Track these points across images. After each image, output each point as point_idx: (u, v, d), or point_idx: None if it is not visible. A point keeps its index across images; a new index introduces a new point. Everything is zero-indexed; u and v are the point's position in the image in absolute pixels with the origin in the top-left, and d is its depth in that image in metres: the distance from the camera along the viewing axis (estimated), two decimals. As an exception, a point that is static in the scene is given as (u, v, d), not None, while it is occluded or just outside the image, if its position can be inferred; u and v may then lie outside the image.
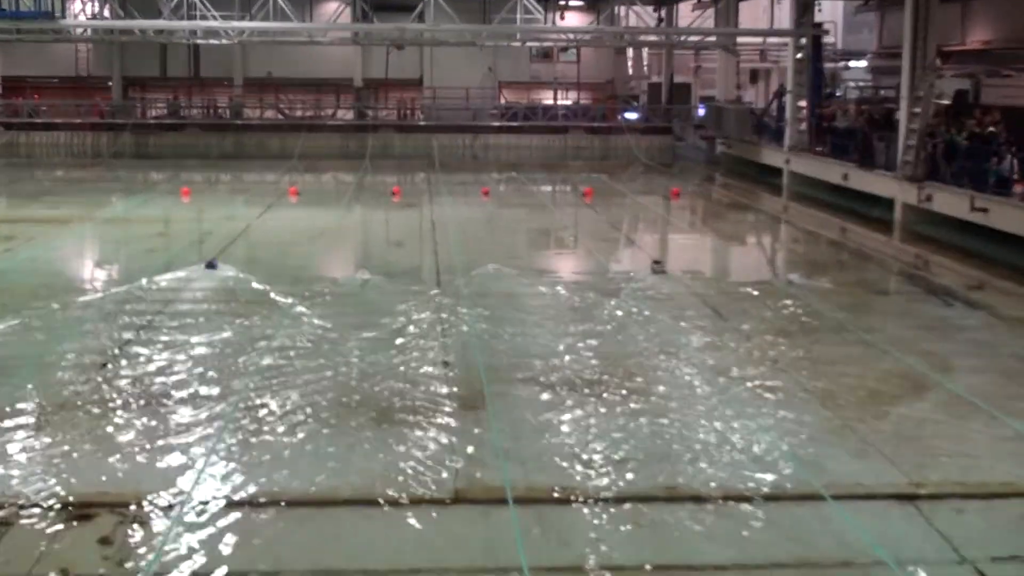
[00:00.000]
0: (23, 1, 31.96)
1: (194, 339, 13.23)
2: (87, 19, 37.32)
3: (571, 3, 39.06)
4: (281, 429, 10.10)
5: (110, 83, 43.73)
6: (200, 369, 11.97)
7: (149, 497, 8.50)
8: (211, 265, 17.75)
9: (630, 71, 49.10)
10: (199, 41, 38.40)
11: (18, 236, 21.22)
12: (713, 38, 37.80)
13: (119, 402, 10.86)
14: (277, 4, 34.18)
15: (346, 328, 13.76)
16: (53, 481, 8.86)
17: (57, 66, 44.29)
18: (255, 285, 16.45)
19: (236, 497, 8.58)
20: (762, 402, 11.09)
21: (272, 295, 15.73)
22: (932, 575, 7.50)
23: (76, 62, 44.52)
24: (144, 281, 16.54)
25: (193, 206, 27.21)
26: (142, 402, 10.85)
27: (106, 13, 33.79)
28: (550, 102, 44.74)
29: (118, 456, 9.44)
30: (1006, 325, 14.92)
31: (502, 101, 43.72)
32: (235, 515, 8.29)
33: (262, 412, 10.54)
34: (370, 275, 17.34)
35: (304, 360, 12.33)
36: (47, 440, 9.78)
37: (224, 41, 36.69)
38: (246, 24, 33.82)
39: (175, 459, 9.36)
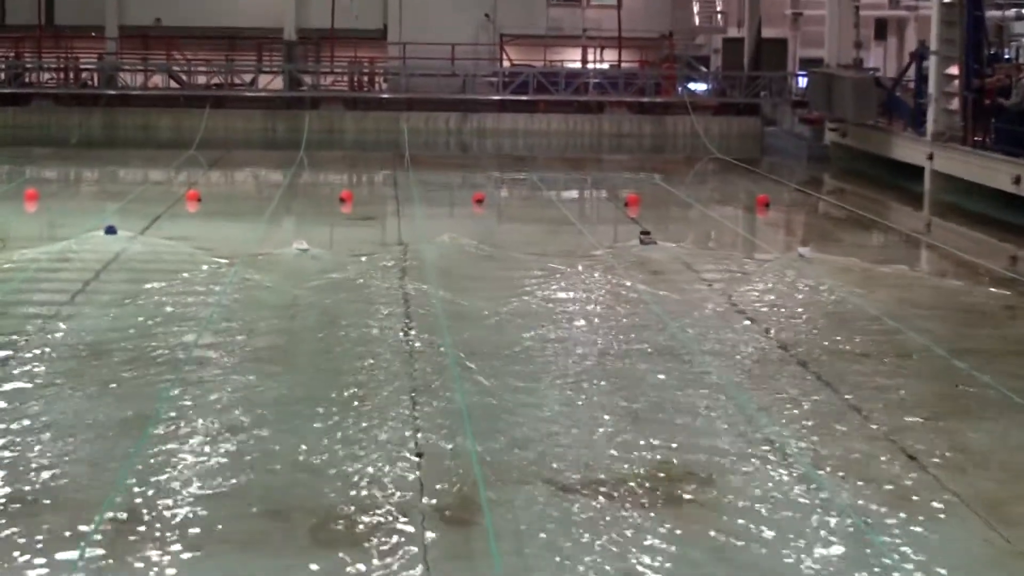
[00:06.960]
0: None
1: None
2: None
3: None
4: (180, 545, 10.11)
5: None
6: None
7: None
8: (111, 230, 22.10)
9: (696, 21, 49.52)
10: (55, -28, 38.88)
11: None
12: (820, -27, 38.19)
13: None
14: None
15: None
16: None
17: None
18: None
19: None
20: (888, 512, 11.06)
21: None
22: None
23: None
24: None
25: (42, 217, 27.30)
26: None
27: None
28: (577, 66, 45.06)
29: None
30: None
31: (506, 65, 44.01)
32: None
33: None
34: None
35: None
36: None
37: (92, -27, 37.12)
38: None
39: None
